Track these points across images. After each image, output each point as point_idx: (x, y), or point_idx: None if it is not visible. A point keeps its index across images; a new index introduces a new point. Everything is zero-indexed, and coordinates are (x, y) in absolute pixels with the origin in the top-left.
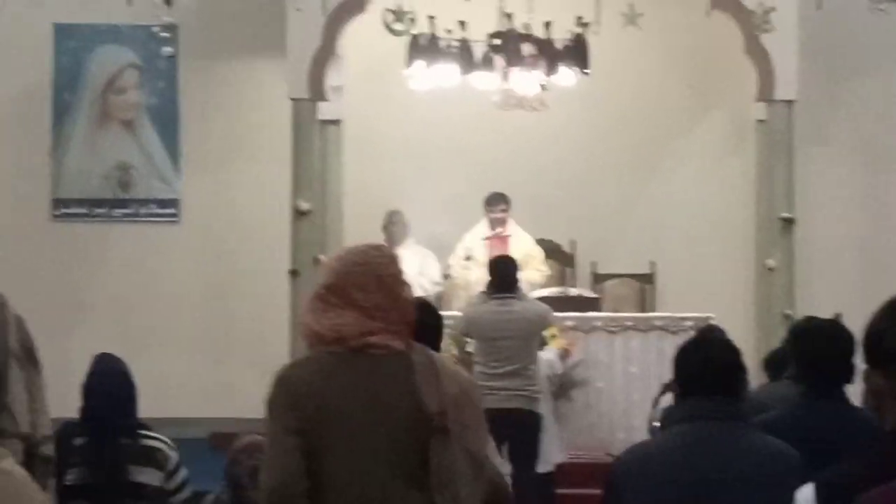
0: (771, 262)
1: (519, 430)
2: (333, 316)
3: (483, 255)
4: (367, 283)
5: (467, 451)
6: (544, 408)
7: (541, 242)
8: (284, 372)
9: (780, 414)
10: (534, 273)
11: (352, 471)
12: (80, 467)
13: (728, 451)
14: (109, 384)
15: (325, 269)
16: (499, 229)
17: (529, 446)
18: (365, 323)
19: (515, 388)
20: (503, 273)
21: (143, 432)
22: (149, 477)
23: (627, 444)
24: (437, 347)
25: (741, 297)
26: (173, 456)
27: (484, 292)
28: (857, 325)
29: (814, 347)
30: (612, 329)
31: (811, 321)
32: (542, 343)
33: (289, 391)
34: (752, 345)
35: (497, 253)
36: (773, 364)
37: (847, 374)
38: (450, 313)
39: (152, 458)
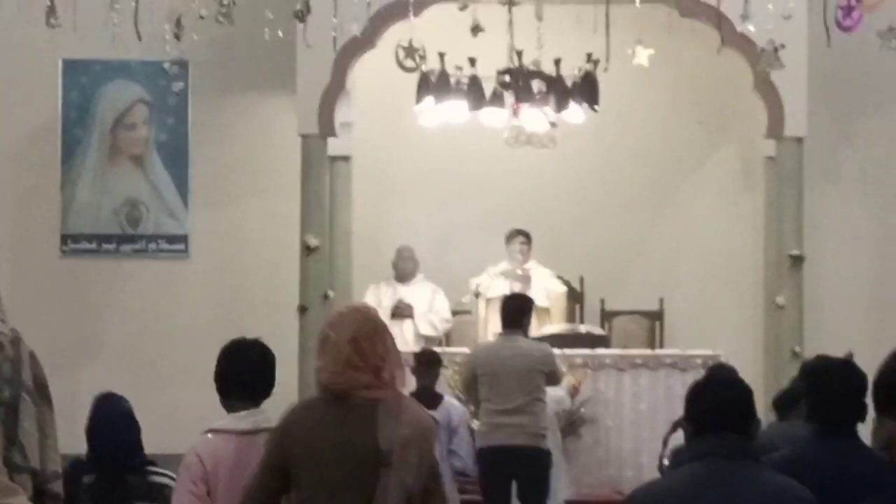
0: (780, 300)
1: (525, 467)
2: (319, 368)
3: (498, 292)
4: (336, 344)
5: (403, 485)
6: (552, 444)
7: None
8: (284, 416)
9: (793, 452)
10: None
11: (319, 499)
12: None
13: (740, 489)
14: (112, 426)
15: (324, 330)
16: (519, 270)
17: (537, 484)
18: (335, 378)
19: (519, 424)
20: (509, 310)
21: (151, 469)
22: None
23: (636, 482)
24: (433, 384)
25: (750, 334)
26: None
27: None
28: (867, 362)
29: (827, 386)
30: (622, 366)
31: (823, 360)
32: (553, 380)
33: (283, 432)
34: (760, 382)
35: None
36: (783, 403)
37: (859, 414)
38: (457, 350)
39: (160, 494)
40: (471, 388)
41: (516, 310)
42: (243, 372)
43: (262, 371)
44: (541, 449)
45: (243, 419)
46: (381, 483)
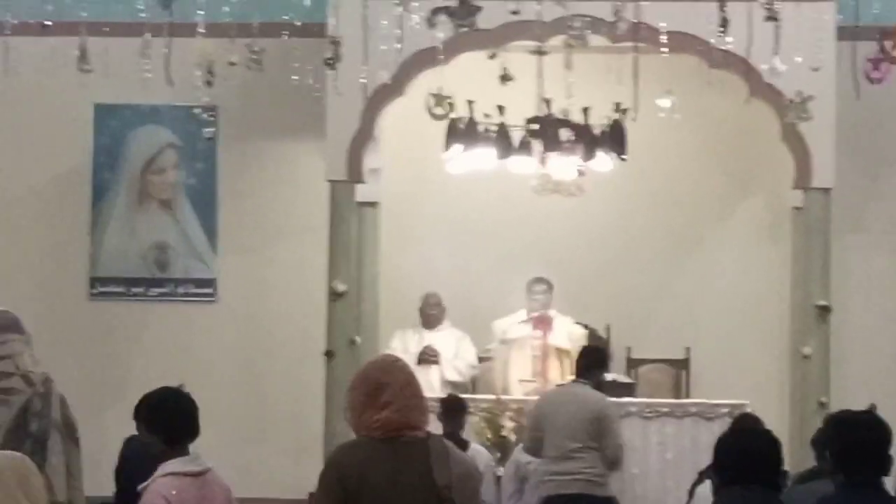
0: (806, 350)
1: None
2: (372, 413)
3: (522, 338)
4: (393, 389)
5: None
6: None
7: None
8: (336, 454)
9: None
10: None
11: None
12: None
13: None
14: (141, 467)
15: (359, 378)
16: (539, 312)
17: None
18: (394, 419)
19: (572, 471)
20: (580, 360)
21: None
22: None
23: None
24: (459, 430)
25: (776, 384)
26: None
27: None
28: (892, 413)
29: (851, 438)
30: (647, 415)
31: (847, 413)
32: (605, 431)
33: (338, 469)
34: (786, 432)
35: (540, 335)
36: (821, 443)
37: (884, 465)
38: (483, 397)
39: None
40: (533, 437)
41: (589, 361)
42: (187, 418)
43: (196, 417)
44: (594, 497)
45: (192, 462)
46: None
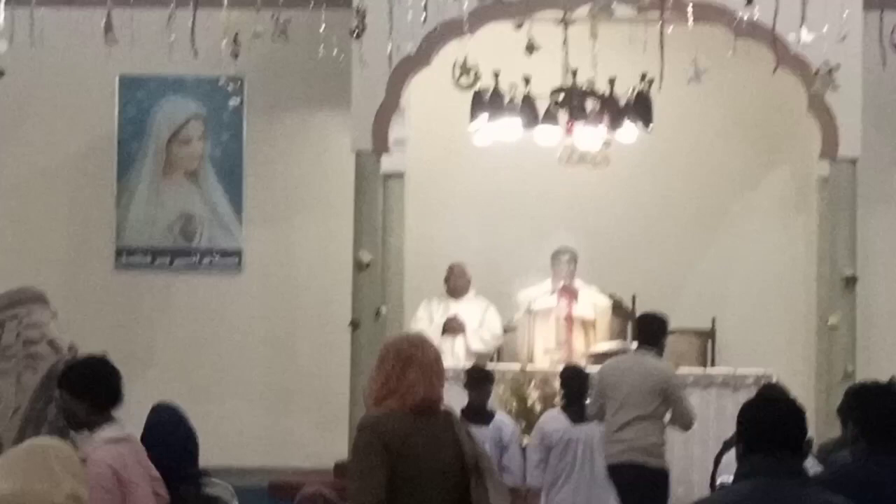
0: (833, 320)
1: (634, 484)
2: (404, 386)
3: (548, 308)
4: (423, 363)
5: (495, 483)
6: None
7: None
8: (372, 420)
9: (842, 470)
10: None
11: (418, 498)
12: None
13: None
14: (169, 435)
15: (389, 352)
16: (564, 282)
17: (647, 501)
18: (425, 393)
19: (629, 440)
20: (644, 328)
21: (205, 479)
22: None
23: (687, 500)
24: (485, 400)
25: (802, 354)
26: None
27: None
28: None
29: (874, 405)
30: None
31: (868, 383)
32: (671, 402)
33: (380, 434)
34: (812, 402)
35: (565, 305)
36: (846, 413)
37: None
38: (508, 366)
39: None
40: (597, 403)
41: (652, 328)
42: (112, 385)
43: (120, 384)
44: (647, 467)
45: (120, 427)
46: (474, 485)
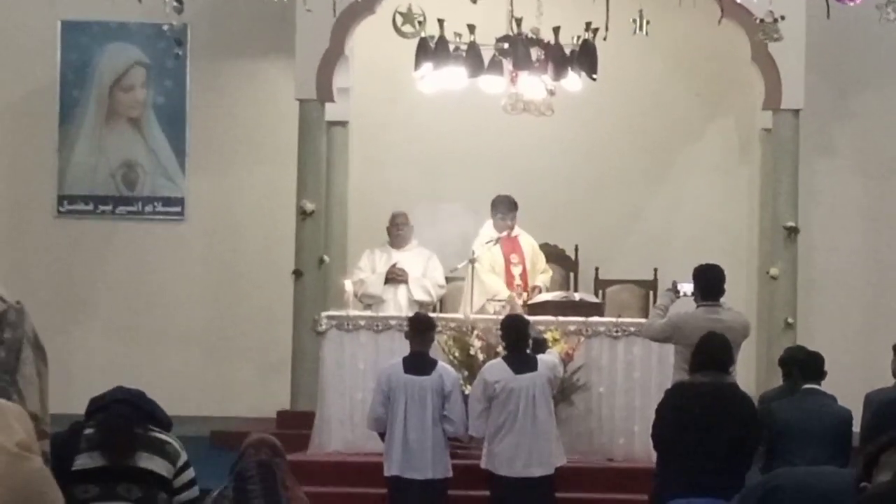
0: (774, 271)
1: None
2: None
3: (489, 258)
4: None
5: None
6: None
7: (544, 247)
8: None
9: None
10: (544, 276)
11: None
12: (89, 452)
13: None
14: (126, 392)
15: None
16: (505, 232)
17: None
18: None
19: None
20: (711, 280)
21: (155, 427)
22: (157, 466)
23: (628, 450)
24: (427, 349)
25: (744, 304)
26: (183, 454)
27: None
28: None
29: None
30: (615, 334)
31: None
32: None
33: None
34: (753, 352)
35: (508, 252)
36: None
37: None
38: (451, 316)
39: (162, 449)
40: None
41: (717, 280)
42: None
43: None
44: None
45: None
46: None
